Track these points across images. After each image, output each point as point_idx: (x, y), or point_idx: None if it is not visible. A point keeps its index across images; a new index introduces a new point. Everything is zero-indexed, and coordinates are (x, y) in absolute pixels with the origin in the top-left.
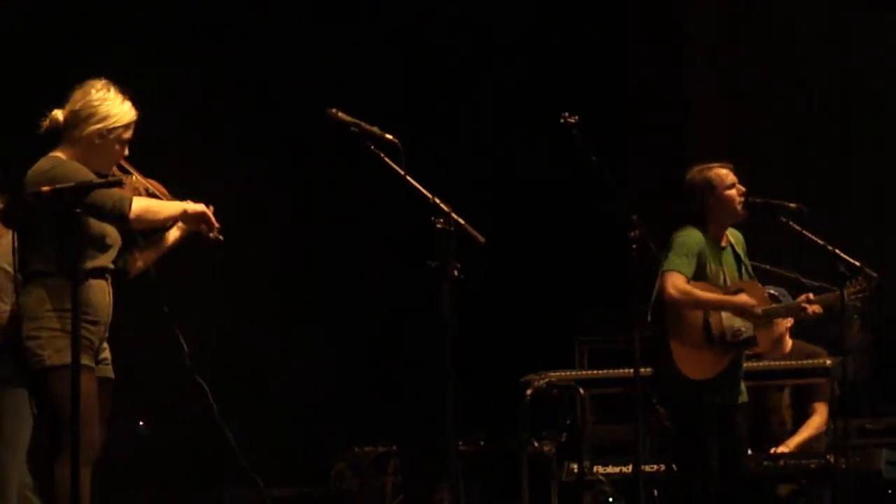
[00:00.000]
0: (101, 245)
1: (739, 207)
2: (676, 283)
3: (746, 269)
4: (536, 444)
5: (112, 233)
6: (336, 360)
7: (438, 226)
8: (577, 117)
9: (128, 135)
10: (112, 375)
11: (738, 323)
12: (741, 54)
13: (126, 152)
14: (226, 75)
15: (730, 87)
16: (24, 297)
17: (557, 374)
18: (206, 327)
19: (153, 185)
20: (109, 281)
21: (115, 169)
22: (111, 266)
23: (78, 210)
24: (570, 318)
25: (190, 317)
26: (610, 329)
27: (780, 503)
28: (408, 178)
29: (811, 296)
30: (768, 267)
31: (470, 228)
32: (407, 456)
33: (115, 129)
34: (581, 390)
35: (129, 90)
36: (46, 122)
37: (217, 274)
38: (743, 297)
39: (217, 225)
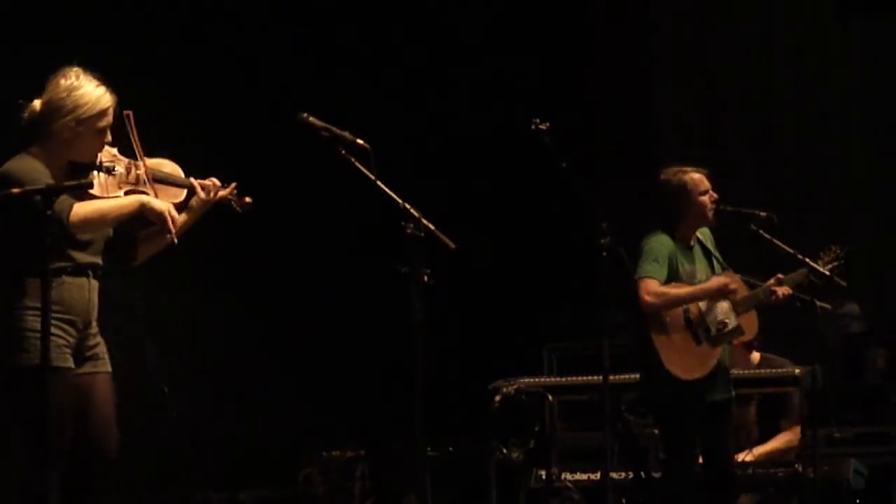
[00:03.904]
0: (75, 242)
1: (710, 214)
2: (650, 288)
3: (718, 260)
4: (505, 451)
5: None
6: (304, 364)
7: (408, 231)
8: (547, 124)
9: (103, 123)
10: (108, 369)
11: (721, 314)
12: (712, 62)
13: (108, 137)
14: (195, 76)
15: (701, 94)
16: None
17: (526, 380)
18: (175, 329)
19: (164, 165)
20: (91, 277)
21: (114, 154)
22: (94, 261)
23: (49, 213)
24: (539, 325)
25: (161, 321)
26: (579, 335)
27: None
28: (378, 183)
29: (781, 276)
30: (740, 277)
31: (440, 234)
32: (375, 461)
33: (85, 119)
34: (550, 397)
35: (105, 75)
36: (27, 115)
37: (187, 277)
38: (714, 280)
39: (174, 230)
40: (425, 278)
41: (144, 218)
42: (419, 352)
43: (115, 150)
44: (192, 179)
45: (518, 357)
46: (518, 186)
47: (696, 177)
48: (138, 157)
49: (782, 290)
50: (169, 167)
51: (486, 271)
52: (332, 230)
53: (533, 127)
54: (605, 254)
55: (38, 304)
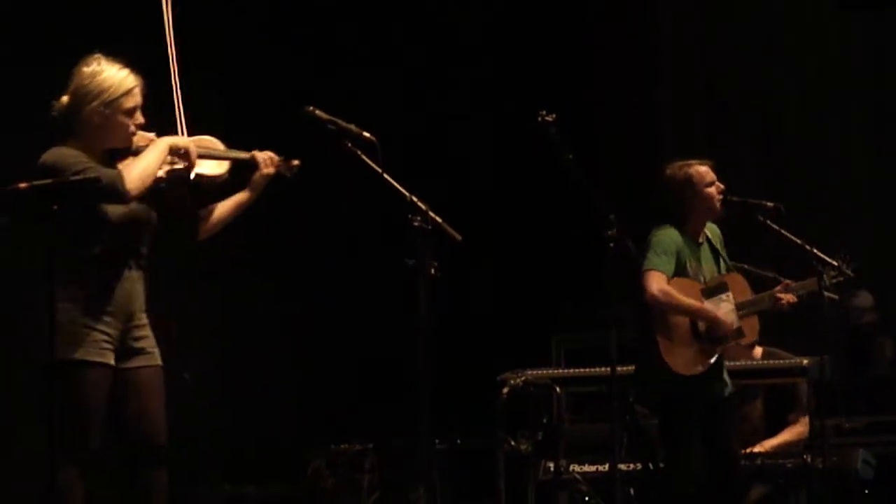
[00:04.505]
0: (114, 230)
1: (717, 205)
2: (658, 282)
3: (725, 261)
4: (513, 443)
5: (132, 214)
6: (312, 357)
7: (415, 224)
8: (554, 116)
9: (131, 103)
10: (157, 363)
11: (723, 316)
12: (712, 62)
13: (140, 119)
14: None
15: (701, 94)
16: (41, 286)
17: (534, 372)
18: (180, 324)
19: (205, 142)
20: (133, 267)
21: (150, 138)
22: (135, 249)
23: (55, 207)
24: (547, 316)
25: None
26: (587, 327)
27: None
28: (385, 175)
29: (790, 283)
30: (746, 267)
31: (447, 226)
32: (383, 454)
33: (111, 101)
34: (557, 389)
35: (125, 58)
36: (56, 111)
37: (191, 271)
38: (720, 315)
39: (195, 163)
40: (432, 271)
41: (177, 155)
42: (426, 344)
43: (152, 135)
44: (255, 153)
45: (525, 349)
46: (525, 178)
47: (702, 169)
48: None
49: (787, 298)
50: (205, 141)
51: (492, 263)
52: (338, 224)
53: (539, 119)
54: (611, 245)
55: (72, 297)
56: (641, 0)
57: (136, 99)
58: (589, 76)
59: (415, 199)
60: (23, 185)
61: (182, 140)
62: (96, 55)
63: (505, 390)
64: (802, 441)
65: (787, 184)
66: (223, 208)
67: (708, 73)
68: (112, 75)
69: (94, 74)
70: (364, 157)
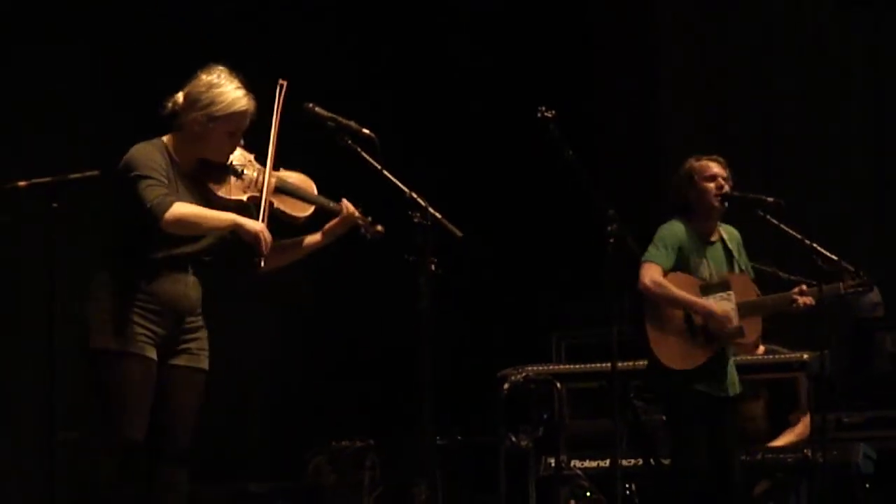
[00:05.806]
0: (180, 238)
1: (713, 200)
2: (652, 274)
3: (739, 265)
4: (514, 439)
5: None
6: (313, 354)
7: (416, 220)
8: (553, 112)
9: (235, 125)
10: (200, 365)
11: (721, 311)
12: (715, 54)
13: (240, 142)
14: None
15: (701, 94)
16: (93, 274)
17: (534, 368)
18: None
19: (297, 180)
20: (191, 272)
21: (249, 159)
22: (196, 255)
23: (54, 205)
24: (548, 313)
25: None
26: (587, 323)
27: (755, 501)
28: (385, 172)
29: (804, 287)
30: (777, 271)
31: (447, 223)
32: (384, 450)
33: (217, 117)
34: (558, 385)
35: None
36: (170, 105)
37: None
38: (714, 305)
39: (265, 253)
40: (432, 267)
41: (239, 236)
42: (426, 340)
43: (251, 157)
44: (343, 205)
45: (526, 345)
46: (525, 175)
47: (703, 163)
48: (268, 164)
49: (805, 300)
50: (296, 179)
51: (493, 259)
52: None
53: (539, 115)
54: (612, 241)
55: (122, 290)
56: (641, 0)
57: (241, 123)
58: (589, 76)
59: (415, 195)
60: (22, 183)
61: (251, 226)
62: (220, 67)
63: (506, 386)
64: (804, 441)
65: (786, 184)
66: (292, 247)
67: (708, 73)
68: (227, 92)
69: (210, 85)
70: (363, 153)
